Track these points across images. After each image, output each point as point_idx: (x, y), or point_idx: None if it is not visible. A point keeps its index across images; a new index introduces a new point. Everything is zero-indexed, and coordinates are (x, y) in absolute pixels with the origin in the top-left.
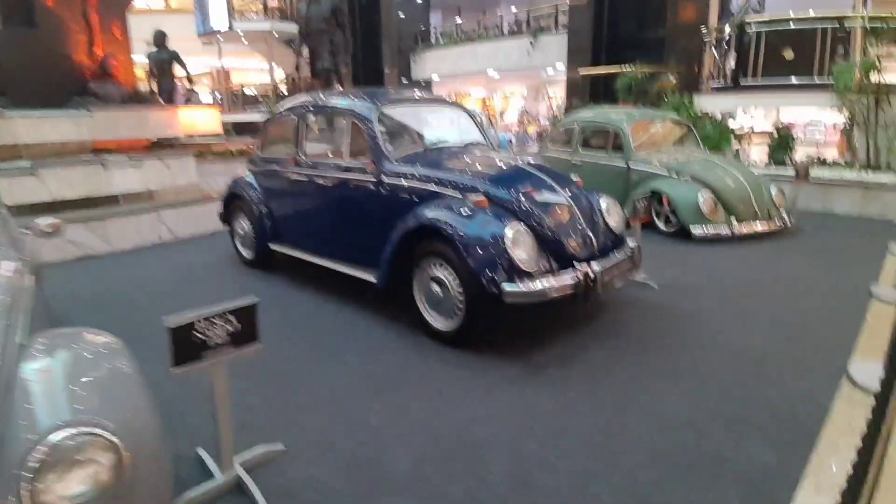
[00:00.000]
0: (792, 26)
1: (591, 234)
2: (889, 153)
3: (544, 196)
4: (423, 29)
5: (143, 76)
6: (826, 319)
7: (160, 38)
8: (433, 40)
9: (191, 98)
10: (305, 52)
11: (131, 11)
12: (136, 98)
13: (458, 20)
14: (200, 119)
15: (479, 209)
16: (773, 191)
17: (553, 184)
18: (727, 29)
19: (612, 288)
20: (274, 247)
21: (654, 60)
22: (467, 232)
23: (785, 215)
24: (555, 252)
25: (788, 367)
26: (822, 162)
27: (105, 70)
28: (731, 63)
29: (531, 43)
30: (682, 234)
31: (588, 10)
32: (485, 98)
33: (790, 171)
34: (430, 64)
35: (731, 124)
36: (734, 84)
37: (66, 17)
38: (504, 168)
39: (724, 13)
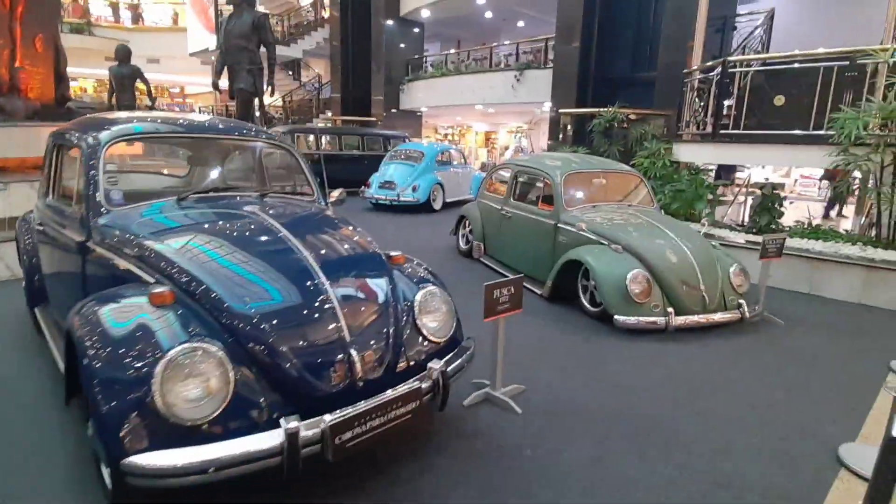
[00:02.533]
0: (796, 65)
1: (356, 356)
2: None
3: (297, 294)
4: (416, 58)
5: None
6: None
7: (122, 53)
8: (423, 70)
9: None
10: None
11: (141, 29)
12: (44, 114)
13: (453, 50)
14: None
15: (152, 309)
16: (733, 269)
17: (322, 275)
18: (716, 70)
19: (368, 445)
20: (37, 311)
21: (646, 103)
22: (106, 349)
23: (744, 303)
24: (284, 388)
25: None
26: (815, 229)
27: (13, 84)
28: (711, 109)
29: (516, 77)
30: (608, 317)
31: (574, 48)
32: (487, 132)
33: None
34: (419, 94)
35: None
36: (713, 133)
37: None
38: (262, 241)
39: (722, 53)
